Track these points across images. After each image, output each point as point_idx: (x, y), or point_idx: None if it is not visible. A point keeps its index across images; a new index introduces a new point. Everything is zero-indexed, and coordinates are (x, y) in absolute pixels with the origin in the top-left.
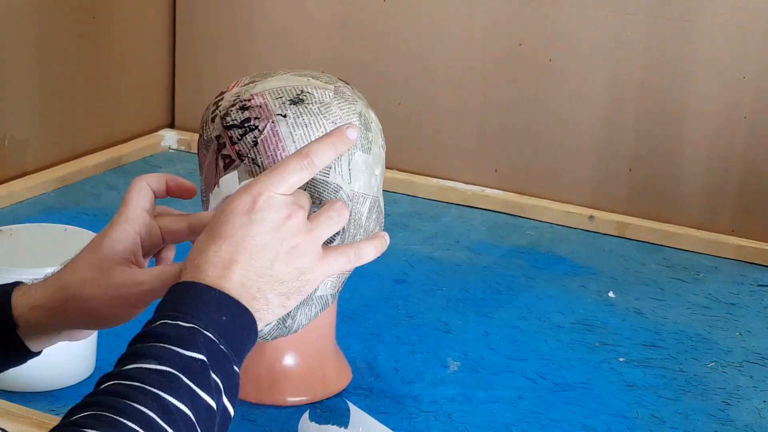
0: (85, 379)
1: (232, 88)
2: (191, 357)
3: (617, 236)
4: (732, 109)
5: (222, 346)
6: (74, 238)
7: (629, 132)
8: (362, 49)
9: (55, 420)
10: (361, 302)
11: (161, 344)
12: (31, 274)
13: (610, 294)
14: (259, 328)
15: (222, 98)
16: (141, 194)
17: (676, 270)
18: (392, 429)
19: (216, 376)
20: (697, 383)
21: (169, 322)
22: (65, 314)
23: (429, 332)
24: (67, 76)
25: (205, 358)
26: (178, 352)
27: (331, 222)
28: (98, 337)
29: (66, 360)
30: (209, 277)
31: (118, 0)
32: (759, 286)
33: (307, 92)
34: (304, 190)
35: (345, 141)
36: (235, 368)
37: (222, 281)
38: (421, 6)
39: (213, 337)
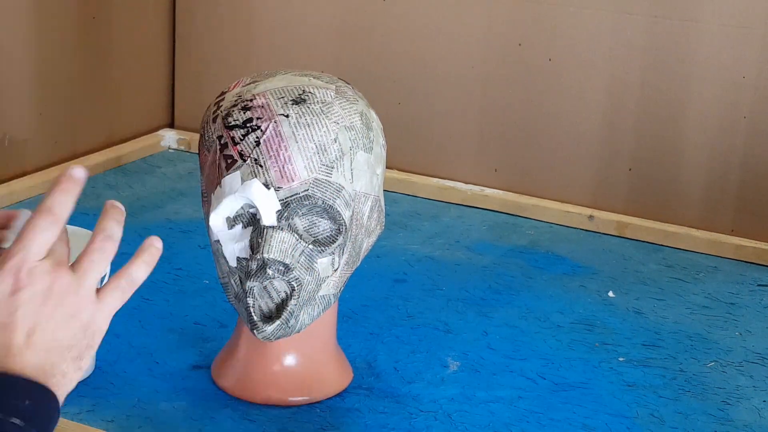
0: (85, 379)
1: (233, 89)
2: None
3: (617, 236)
4: (732, 109)
5: (32, 427)
6: (74, 238)
7: (629, 132)
8: (362, 49)
9: None
10: (360, 302)
11: None
12: None
13: (610, 294)
14: (63, 398)
15: (223, 98)
16: None
17: (675, 270)
18: (392, 429)
19: None
20: (697, 383)
21: None
22: None
23: (429, 332)
24: (67, 76)
25: None
26: None
27: (95, 262)
28: None
29: None
30: (1, 366)
31: (118, 0)
32: (759, 285)
33: (309, 92)
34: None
35: (74, 182)
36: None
37: (15, 366)
38: (421, 6)
39: (20, 425)
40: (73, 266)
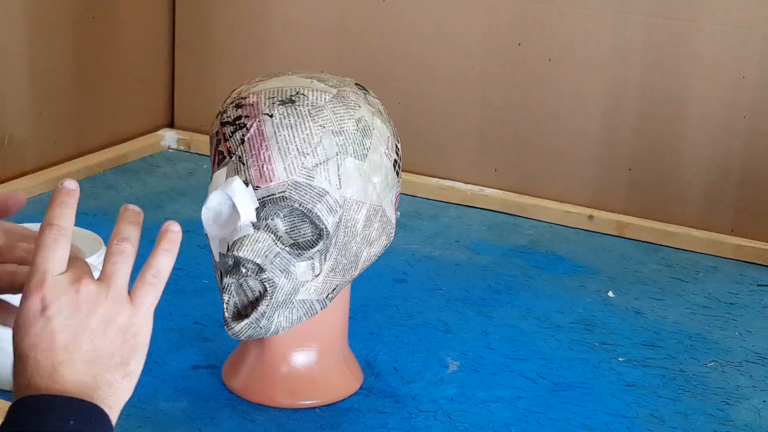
0: None
1: (241, 85)
2: None
3: (617, 236)
4: (732, 109)
5: None
6: (74, 238)
7: (629, 132)
8: (362, 48)
9: None
10: (360, 302)
11: None
12: None
13: (610, 294)
14: (117, 408)
15: (229, 95)
16: None
17: (675, 269)
18: (392, 429)
19: None
20: (697, 383)
21: None
22: None
23: (428, 332)
24: (67, 76)
25: None
26: None
27: (117, 264)
28: None
29: None
30: (42, 388)
31: (118, 0)
32: (758, 285)
33: (303, 94)
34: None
35: (69, 193)
36: None
37: (56, 386)
38: (421, 6)
39: None
40: (99, 277)
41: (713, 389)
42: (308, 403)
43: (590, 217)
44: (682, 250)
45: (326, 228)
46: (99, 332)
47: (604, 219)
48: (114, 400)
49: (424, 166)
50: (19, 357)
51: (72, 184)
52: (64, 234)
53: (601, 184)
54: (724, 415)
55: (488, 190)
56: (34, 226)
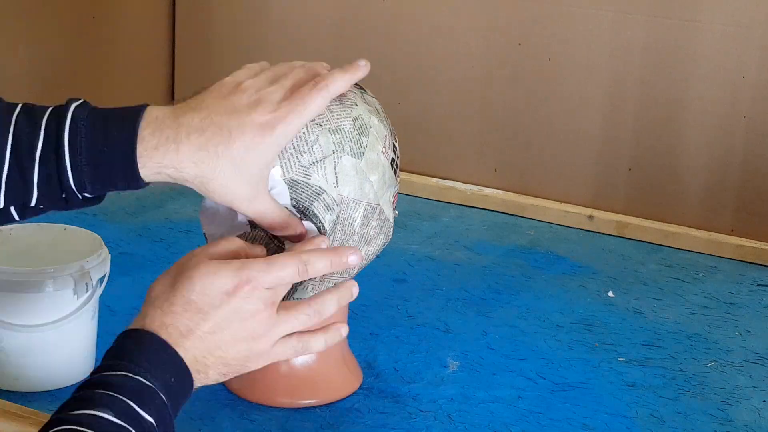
0: None
1: None
2: (145, 418)
3: (617, 236)
4: (732, 109)
5: (169, 411)
6: (74, 238)
7: (629, 132)
8: (361, 48)
9: None
10: (360, 302)
11: (121, 397)
12: (31, 274)
13: (610, 294)
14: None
15: None
16: None
17: (675, 270)
18: (392, 429)
19: None
20: (697, 383)
21: (131, 376)
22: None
23: (428, 332)
24: (67, 75)
25: (155, 422)
26: (135, 410)
27: (299, 322)
28: (98, 337)
29: (66, 360)
30: (172, 338)
31: (118, 0)
32: (758, 285)
33: None
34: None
35: (342, 263)
36: (173, 428)
37: (179, 347)
38: (421, 6)
39: (164, 400)
40: (283, 304)
41: (713, 389)
42: (307, 402)
43: (590, 217)
44: (682, 250)
45: (323, 226)
46: (237, 346)
47: (604, 219)
48: (196, 386)
49: (424, 166)
50: (184, 296)
51: (354, 259)
52: (302, 276)
53: (601, 184)
54: (724, 415)
55: (488, 190)
56: (35, 226)
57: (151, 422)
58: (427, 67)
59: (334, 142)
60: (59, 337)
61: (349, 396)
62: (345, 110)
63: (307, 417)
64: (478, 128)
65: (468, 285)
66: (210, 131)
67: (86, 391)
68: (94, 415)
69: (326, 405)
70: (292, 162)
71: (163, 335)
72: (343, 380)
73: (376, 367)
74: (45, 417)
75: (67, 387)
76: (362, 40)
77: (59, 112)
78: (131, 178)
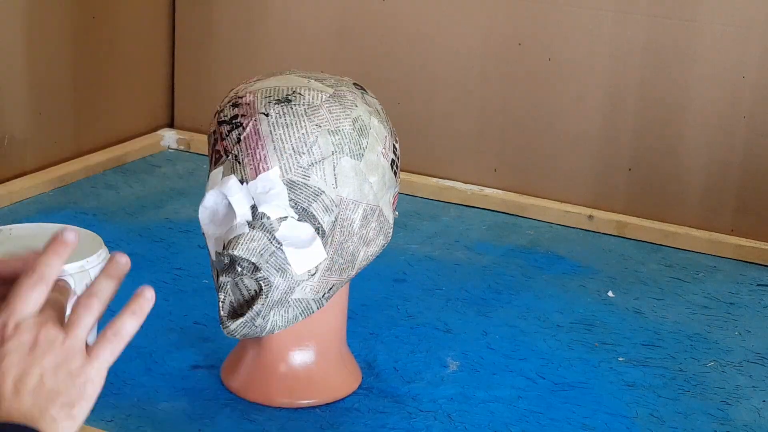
0: None
1: (239, 85)
2: None
3: (616, 236)
4: (732, 109)
5: None
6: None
7: (629, 132)
8: (361, 48)
9: None
10: (360, 302)
11: None
12: None
13: (610, 293)
14: None
15: (227, 94)
16: None
17: (675, 269)
18: (392, 429)
19: None
20: (697, 383)
21: None
22: None
23: (428, 332)
24: (67, 75)
25: None
26: None
27: (81, 317)
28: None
29: None
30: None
31: (118, 0)
32: (758, 285)
33: (299, 93)
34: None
35: (65, 246)
36: None
37: (1, 413)
38: (421, 6)
39: None
40: (68, 318)
41: (713, 389)
42: (306, 402)
43: (590, 217)
44: (682, 250)
45: (322, 227)
46: (50, 371)
47: (604, 219)
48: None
49: (424, 166)
50: None
51: (71, 237)
52: (43, 281)
53: (601, 184)
54: (724, 415)
55: (488, 190)
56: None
57: None
58: (427, 67)
59: (333, 144)
60: None
61: (349, 396)
62: (345, 111)
63: (306, 417)
64: (478, 128)
65: (468, 285)
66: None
67: None
68: None
69: (326, 405)
70: (291, 163)
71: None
72: (342, 380)
73: (375, 367)
74: None
75: None
76: (362, 40)
77: None
78: None
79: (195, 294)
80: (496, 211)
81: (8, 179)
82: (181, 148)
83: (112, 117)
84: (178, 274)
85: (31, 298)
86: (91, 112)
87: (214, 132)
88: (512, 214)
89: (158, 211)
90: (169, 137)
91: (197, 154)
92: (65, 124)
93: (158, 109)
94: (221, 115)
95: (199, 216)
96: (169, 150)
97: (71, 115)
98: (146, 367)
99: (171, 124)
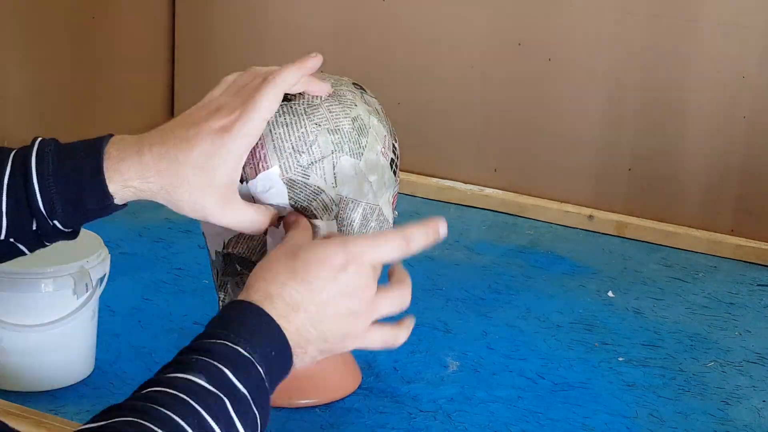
0: (85, 379)
1: None
2: (239, 389)
3: (616, 236)
4: (732, 109)
5: (266, 383)
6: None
7: (629, 131)
8: (361, 48)
9: (54, 420)
10: None
11: (217, 364)
12: (31, 274)
13: (610, 294)
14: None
15: None
16: None
17: (675, 269)
18: (392, 429)
19: (256, 410)
20: (697, 383)
21: (229, 345)
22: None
23: (428, 332)
24: (67, 75)
25: (249, 393)
26: (230, 378)
27: (394, 305)
28: (97, 337)
29: (66, 360)
30: (275, 311)
31: (117, 0)
32: (758, 285)
33: (299, 92)
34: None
35: (437, 236)
36: (270, 403)
37: (284, 320)
38: (421, 6)
39: (262, 373)
40: (380, 288)
41: (713, 389)
42: (305, 402)
43: (590, 217)
44: (682, 250)
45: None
46: (339, 322)
47: (604, 219)
48: (295, 363)
49: (424, 166)
50: (291, 268)
51: (444, 230)
52: (405, 254)
53: (601, 184)
54: (724, 415)
55: (488, 190)
56: None
57: (244, 393)
58: (426, 67)
59: (332, 143)
60: (59, 337)
61: (349, 396)
62: (344, 110)
63: (306, 417)
64: (478, 128)
65: (468, 285)
66: (170, 142)
67: (184, 356)
68: (187, 379)
69: (325, 405)
70: (291, 162)
71: (268, 307)
72: (342, 380)
73: (375, 367)
74: (45, 417)
75: (66, 387)
76: (362, 40)
77: (25, 148)
78: (100, 195)
79: (195, 294)
80: (496, 211)
81: None
82: None
83: (112, 117)
84: (178, 274)
85: (387, 257)
86: (92, 112)
87: None
88: (512, 214)
89: (158, 211)
90: None
91: None
92: (65, 124)
93: (158, 109)
94: None
95: None
96: None
97: (71, 115)
98: (146, 367)
99: None
